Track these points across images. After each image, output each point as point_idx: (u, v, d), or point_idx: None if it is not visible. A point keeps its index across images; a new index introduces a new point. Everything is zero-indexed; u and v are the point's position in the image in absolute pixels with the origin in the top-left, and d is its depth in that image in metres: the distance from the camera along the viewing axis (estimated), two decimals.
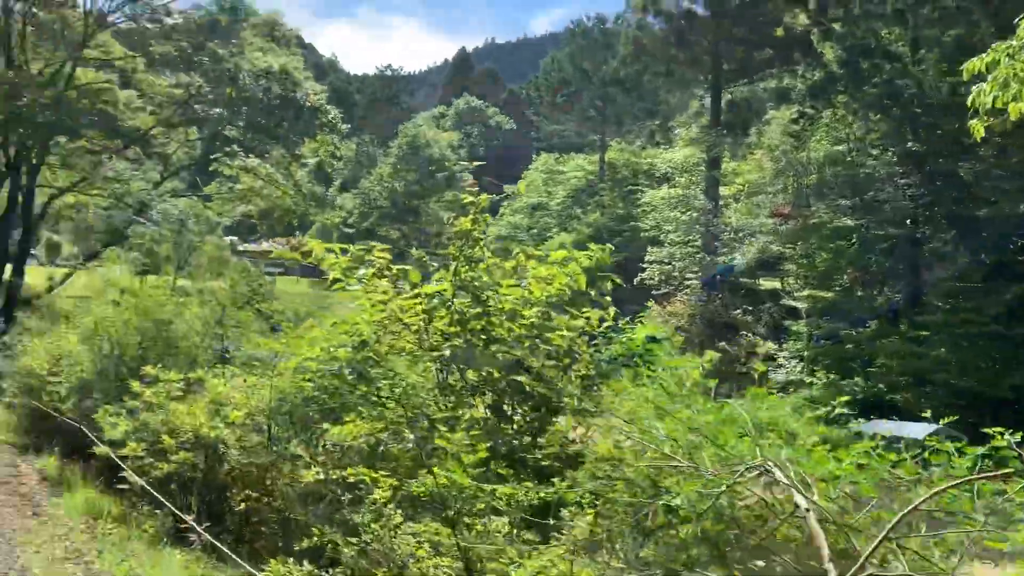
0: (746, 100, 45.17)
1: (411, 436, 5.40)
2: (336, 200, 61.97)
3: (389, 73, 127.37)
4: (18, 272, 27.99)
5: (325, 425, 6.29)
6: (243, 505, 7.52)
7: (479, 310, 5.74)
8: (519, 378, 5.49)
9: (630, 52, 47.48)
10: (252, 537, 9.24)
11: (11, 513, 8.08)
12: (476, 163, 74.54)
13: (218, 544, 5.98)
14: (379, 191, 78.38)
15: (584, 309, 6.40)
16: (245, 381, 8.77)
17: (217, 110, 28.65)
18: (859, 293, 34.65)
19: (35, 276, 33.67)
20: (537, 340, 5.82)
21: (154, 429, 8.33)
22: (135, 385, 8.99)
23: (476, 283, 5.71)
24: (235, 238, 62.52)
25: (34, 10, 28.41)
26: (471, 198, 5.69)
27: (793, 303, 37.08)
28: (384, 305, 5.87)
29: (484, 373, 5.89)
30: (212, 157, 33.07)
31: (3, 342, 14.02)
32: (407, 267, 6.10)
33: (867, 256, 34.14)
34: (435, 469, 4.01)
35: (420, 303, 5.80)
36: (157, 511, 9.57)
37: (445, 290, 5.91)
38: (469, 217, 5.78)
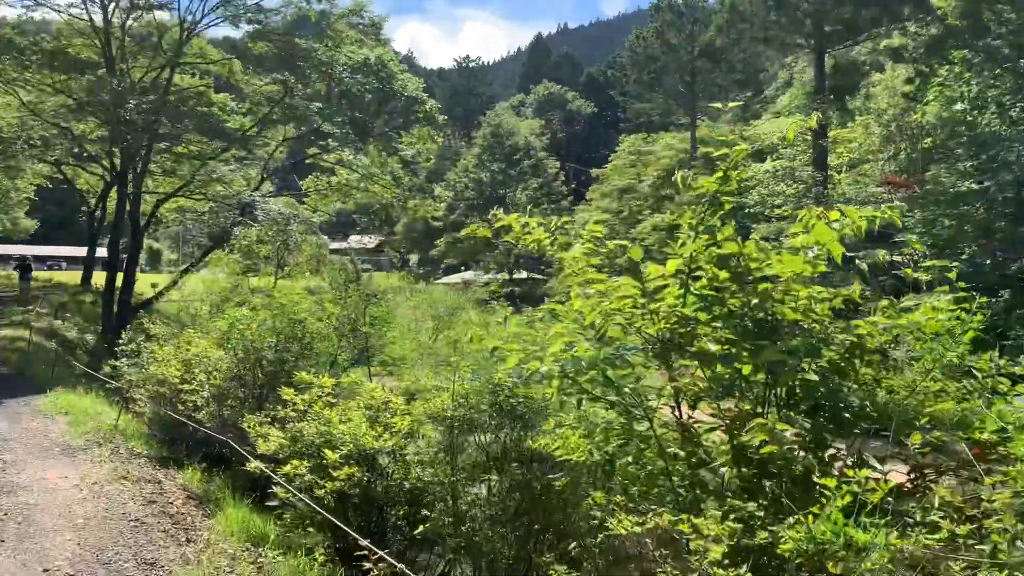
0: (853, 63, 42.52)
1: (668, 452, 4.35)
2: (435, 191, 61.61)
3: (467, 65, 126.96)
4: (129, 279, 28.14)
5: (540, 439, 5.29)
6: (421, 527, 6.56)
7: (735, 291, 4.58)
8: (810, 376, 4.33)
9: (724, 20, 45.31)
10: (415, 559, 8.36)
11: (165, 539, 7.33)
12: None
13: (410, 574, 4.99)
14: (465, 183, 78.13)
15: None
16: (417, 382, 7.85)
17: (316, 104, 28.16)
18: (987, 261, 32.14)
19: (139, 283, 34.05)
20: (827, 327, 4.66)
21: (310, 441, 7.47)
22: (286, 392, 8.15)
23: (728, 256, 4.54)
24: (326, 236, 62.96)
25: (131, 20, 28.60)
26: (724, 150, 4.48)
27: (913, 275, 34.76)
28: (614, 291, 4.75)
29: (733, 371, 4.75)
30: (310, 153, 32.77)
31: (130, 350, 13.53)
32: (624, 243, 4.98)
33: (995, 221, 31.53)
34: (808, 519, 2.91)
35: (670, 290, 4.67)
36: (310, 528, 8.80)
37: (681, 269, 4.75)
38: (716, 176, 4.61)
